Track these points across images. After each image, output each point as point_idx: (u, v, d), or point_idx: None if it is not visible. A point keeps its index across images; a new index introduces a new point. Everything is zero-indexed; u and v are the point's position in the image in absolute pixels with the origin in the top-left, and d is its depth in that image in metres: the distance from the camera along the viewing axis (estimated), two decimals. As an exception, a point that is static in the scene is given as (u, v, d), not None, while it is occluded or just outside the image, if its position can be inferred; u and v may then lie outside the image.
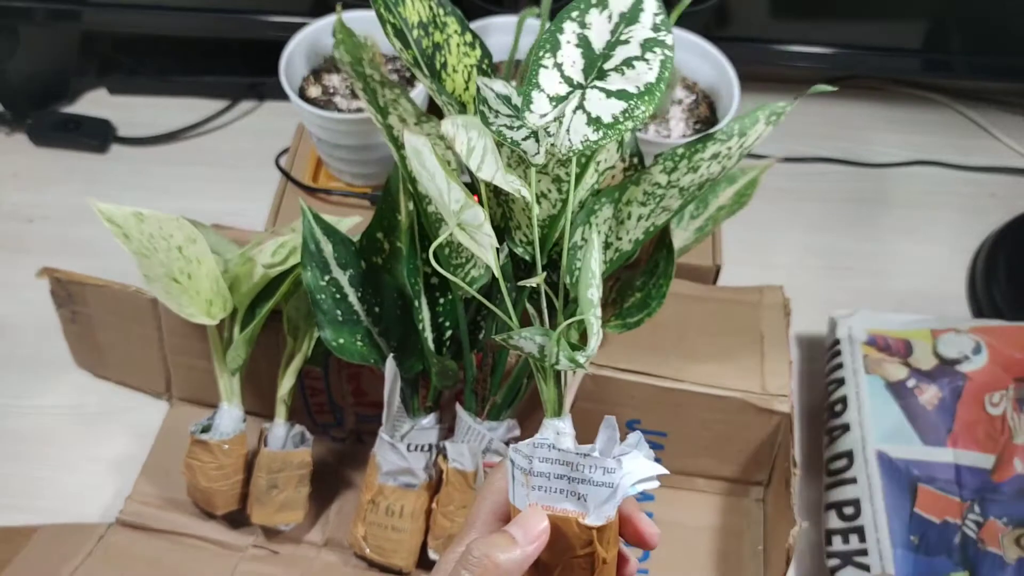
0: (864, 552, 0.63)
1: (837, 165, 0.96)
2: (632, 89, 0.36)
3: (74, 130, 0.96)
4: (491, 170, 0.39)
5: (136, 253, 0.58)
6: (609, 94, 0.36)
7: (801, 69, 0.94)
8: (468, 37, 0.54)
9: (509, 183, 0.40)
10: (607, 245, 0.53)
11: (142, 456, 0.72)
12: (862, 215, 0.92)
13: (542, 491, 0.38)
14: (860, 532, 0.64)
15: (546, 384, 0.40)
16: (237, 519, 0.68)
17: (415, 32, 0.52)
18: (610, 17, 0.36)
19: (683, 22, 0.55)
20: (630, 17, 0.36)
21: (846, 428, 0.69)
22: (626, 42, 0.36)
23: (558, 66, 0.36)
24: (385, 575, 0.66)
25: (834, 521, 0.66)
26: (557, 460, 0.37)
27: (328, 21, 0.80)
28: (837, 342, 0.74)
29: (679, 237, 0.62)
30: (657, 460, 0.38)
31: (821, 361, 0.80)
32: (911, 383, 0.69)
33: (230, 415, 0.64)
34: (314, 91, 0.79)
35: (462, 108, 0.50)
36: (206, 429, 0.64)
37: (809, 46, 0.92)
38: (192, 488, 0.66)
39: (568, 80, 0.36)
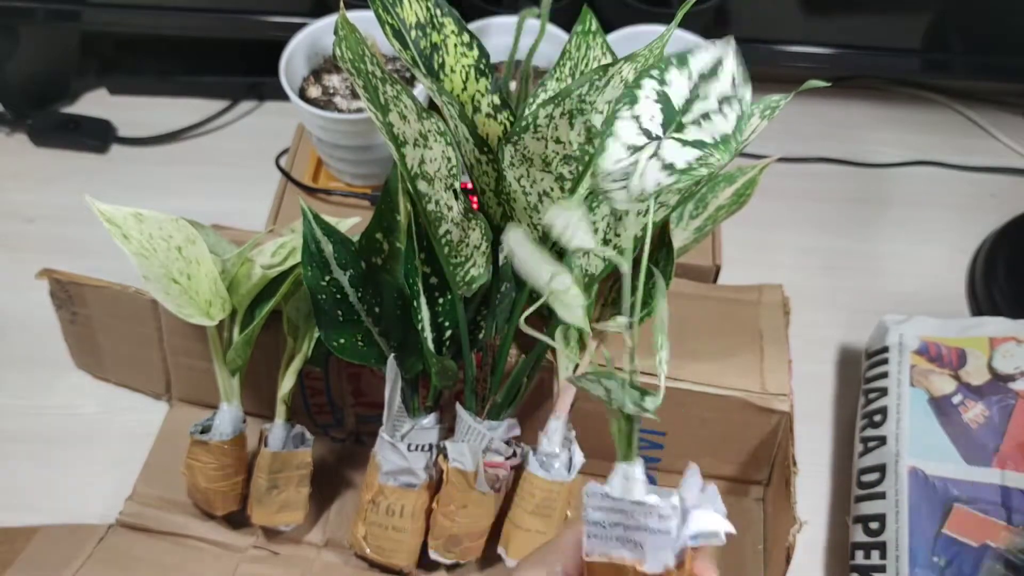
0: (883, 569, 0.62)
1: (837, 165, 0.96)
2: (708, 139, 0.37)
3: (74, 130, 0.96)
4: (586, 241, 0.40)
5: (135, 254, 0.58)
6: (685, 143, 0.37)
7: (801, 69, 0.94)
8: (465, 37, 0.54)
9: (601, 250, 0.45)
10: (605, 242, 0.54)
11: (142, 457, 0.72)
12: (861, 215, 0.92)
13: (597, 538, 0.38)
14: (882, 548, 0.63)
15: (616, 426, 0.40)
16: (237, 520, 0.68)
17: (413, 33, 0.52)
18: (690, 76, 0.37)
19: (683, 22, 0.55)
20: (709, 75, 0.37)
21: (882, 441, 0.67)
22: (704, 98, 0.37)
23: (636, 118, 0.37)
24: (386, 575, 0.66)
25: (859, 535, 0.65)
26: (611, 508, 0.38)
27: (328, 21, 0.80)
28: (885, 349, 0.72)
29: (678, 237, 0.63)
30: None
31: (820, 362, 0.80)
32: (957, 399, 0.67)
33: (230, 416, 0.64)
34: (314, 91, 0.79)
35: (461, 107, 0.50)
36: (206, 430, 0.64)
37: (809, 46, 0.92)
38: (192, 489, 0.66)
39: (646, 132, 0.37)
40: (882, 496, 0.65)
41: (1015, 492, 0.63)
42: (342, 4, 0.48)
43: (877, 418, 0.69)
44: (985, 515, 0.62)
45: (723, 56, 0.37)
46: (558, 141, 0.48)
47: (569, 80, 0.58)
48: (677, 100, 0.37)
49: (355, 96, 0.80)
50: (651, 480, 0.70)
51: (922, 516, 0.63)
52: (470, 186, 0.56)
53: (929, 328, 0.72)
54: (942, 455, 0.65)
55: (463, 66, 0.54)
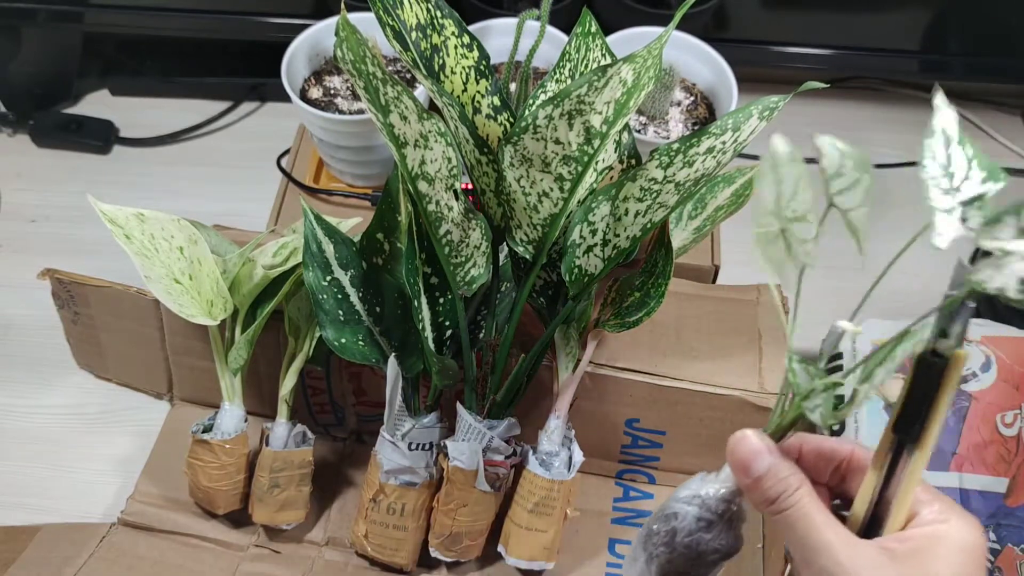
0: None
1: (836, 166, 0.96)
2: None
3: (76, 131, 0.97)
4: (855, 201, 0.36)
5: (137, 254, 0.59)
6: None
7: (799, 70, 0.94)
8: (466, 39, 0.55)
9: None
10: (605, 242, 0.54)
11: (144, 456, 0.73)
12: (861, 215, 0.92)
13: None
14: None
15: None
16: (239, 518, 0.68)
17: (413, 34, 0.52)
18: None
19: (683, 24, 0.55)
20: None
21: None
22: None
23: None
24: (387, 574, 0.66)
25: None
26: None
27: (329, 23, 0.81)
28: (839, 356, 0.71)
29: (677, 237, 0.63)
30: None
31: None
32: None
33: (232, 415, 0.64)
34: (315, 92, 0.80)
35: (461, 108, 0.51)
36: (208, 429, 0.64)
37: (807, 47, 0.93)
38: (194, 488, 0.67)
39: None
40: None
41: (973, 494, 0.63)
42: (343, 6, 0.49)
43: (835, 428, 0.69)
44: None
45: None
46: (557, 142, 0.49)
47: (568, 81, 0.58)
48: None
49: (356, 97, 0.80)
50: (650, 479, 0.70)
51: None
52: (470, 186, 0.56)
53: (881, 330, 0.71)
54: None
55: (463, 67, 0.55)
